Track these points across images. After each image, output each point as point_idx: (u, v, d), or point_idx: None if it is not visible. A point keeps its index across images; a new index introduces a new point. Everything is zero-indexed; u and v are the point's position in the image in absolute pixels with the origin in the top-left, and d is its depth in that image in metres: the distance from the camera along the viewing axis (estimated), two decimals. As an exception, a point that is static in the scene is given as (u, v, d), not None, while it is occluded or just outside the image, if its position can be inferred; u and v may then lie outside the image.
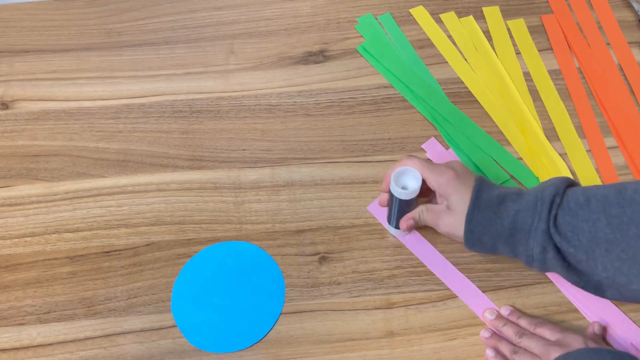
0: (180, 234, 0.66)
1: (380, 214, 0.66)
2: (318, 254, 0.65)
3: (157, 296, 0.63)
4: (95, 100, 0.76)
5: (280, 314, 0.61)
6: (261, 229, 0.66)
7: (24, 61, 0.79)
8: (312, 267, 0.64)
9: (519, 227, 0.55)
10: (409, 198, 0.60)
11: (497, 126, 0.72)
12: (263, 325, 0.61)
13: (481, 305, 0.61)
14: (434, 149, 0.71)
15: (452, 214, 0.59)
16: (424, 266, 0.63)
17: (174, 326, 0.61)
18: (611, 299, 0.55)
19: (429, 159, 0.61)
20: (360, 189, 0.68)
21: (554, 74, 0.76)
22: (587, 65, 0.77)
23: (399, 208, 0.61)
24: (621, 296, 0.53)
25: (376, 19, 0.81)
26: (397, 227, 0.63)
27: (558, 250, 0.53)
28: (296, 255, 0.65)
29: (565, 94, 0.75)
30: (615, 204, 0.51)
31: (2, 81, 0.78)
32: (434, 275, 0.63)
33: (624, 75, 0.76)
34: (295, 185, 0.69)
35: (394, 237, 0.65)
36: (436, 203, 0.61)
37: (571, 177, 0.66)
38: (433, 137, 0.72)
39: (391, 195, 0.61)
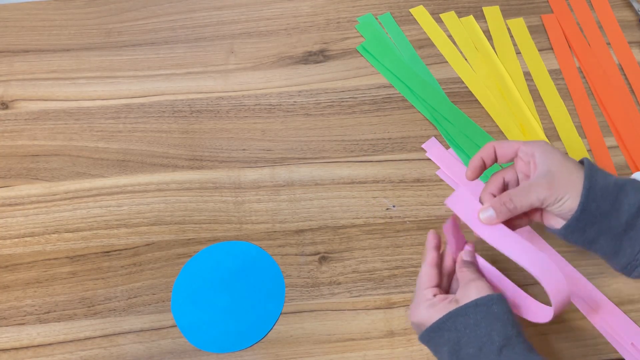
0: (180, 234, 0.66)
1: (461, 207, 0.54)
2: (318, 253, 0.65)
3: (157, 296, 0.63)
4: (95, 100, 0.76)
5: (280, 314, 0.61)
6: (261, 229, 0.66)
7: (24, 61, 0.79)
8: (312, 267, 0.64)
9: (638, 225, 0.47)
10: None
11: (497, 126, 0.72)
12: (263, 325, 0.61)
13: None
14: (434, 149, 0.71)
15: (555, 183, 0.48)
16: (424, 266, 0.63)
17: (174, 326, 0.61)
18: None
19: None
20: (360, 189, 0.68)
21: (554, 74, 0.76)
22: (587, 65, 0.77)
23: None
24: None
25: (376, 18, 0.81)
26: None
27: None
28: (296, 255, 0.65)
29: (565, 94, 0.75)
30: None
31: (2, 81, 0.78)
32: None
33: (624, 75, 0.76)
34: (295, 185, 0.69)
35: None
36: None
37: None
38: (433, 137, 0.72)
39: None
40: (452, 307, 0.48)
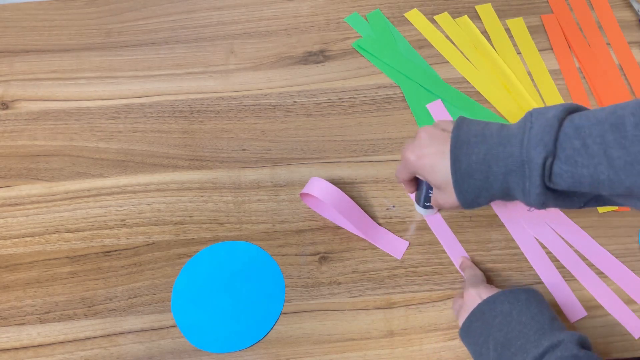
0: (180, 234, 0.66)
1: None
2: (318, 254, 0.65)
3: (157, 296, 0.63)
4: (95, 100, 0.76)
5: (280, 314, 0.61)
6: (261, 229, 0.66)
7: (24, 61, 0.79)
8: (312, 267, 0.64)
9: (512, 187, 0.50)
10: None
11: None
12: (263, 325, 0.61)
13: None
14: (438, 110, 0.72)
15: (441, 191, 0.55)
16: (424, 266, 0.63)
17: (174, 326, 0.61)
18: (622, 206, 0.51)
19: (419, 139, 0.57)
20: (360, 189, 0.68)
21: (554, 74, 0.76)
22: (587, 65, 0.77)
23: (429, 187, 0.61)
24: (633, 205, 0.49)
25: (364, 17, 0.82)
26: (425, 206, 0.64)
27: (558, 194, 0.49)
28: (296, 255, 0.65)
29: (565, 94, 0.75)
30: (615, 145, 0.46)
31: (2, 81, 0.78)
32: (434, 275, 0.63)
33: (624, 75, 0.76)
34: (295, 185, 0.69)
35: (422, 216, 0.67)
36: None
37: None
38: (439, 100, 0.73)
39: (420, 180, 0.61)
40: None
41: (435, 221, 0.66)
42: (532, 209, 0.62)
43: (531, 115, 0.49)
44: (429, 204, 0.63)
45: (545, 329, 0.50)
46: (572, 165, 0.47)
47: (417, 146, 0.55)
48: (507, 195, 0.52)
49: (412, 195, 0.68)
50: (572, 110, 0.49)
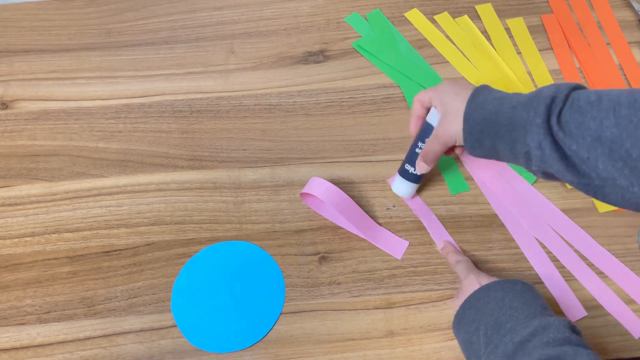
0: (180, 234, 0.66)
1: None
2: (318, 253, 0.65)
3: (157, 296, 0.63)
4: (95, 100, 0.76)
5: (280, 314, 0.61)
6: (261, 229, 0.66)
7: (24, 61, 0.79)
8: (312, 267, 0.64)
9: (516, 123, 0.53)
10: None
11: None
12: (263, 325, 0.61)
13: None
14: None
15: (447, 117, 0.59)
16: (424, 266, 0.63)
17: (174, 326, 0.61)
18: (613, 204, 0.53)
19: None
20: (360, 189, 0.68)
21: (554, 74, 0.76)
22: (587, 65, 0.77)
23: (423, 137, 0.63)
24: (623, 200, 0.52)
25: (364, 17, 0.82)
26: (408, 177, 0.65)
27: (557, 146, 0.52)
28: (296, 255, 0.65)
29: (565, 94, 0.75)
30: (626, 105, 0.49)
31: (2, 81, 0.78)
32: (434, 275, 0.63)
33: (624, 75, 0.76)
34: (295, 185, 0.69)
35: (400, 197, 0.68)
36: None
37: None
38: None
39: (424, 130, 0.63)
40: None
41: (417, 203, 0.67)
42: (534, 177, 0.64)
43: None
44: (409, 167, 0.64)
45: (537, 314, 0.51)
46: (581, 113, 0.50)
47: (439, 85, 0.62)
48: (509, 139, 0.55)
49: (390, 180, 0.68)
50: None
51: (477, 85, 0.60)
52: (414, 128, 0.65)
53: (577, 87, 0.54)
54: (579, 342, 0.47)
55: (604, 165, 0.50)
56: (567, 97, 0.52)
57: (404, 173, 0.65)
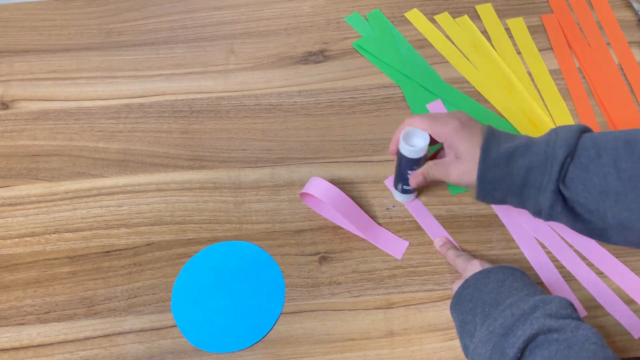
0: (180, 234, 0.66)
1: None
2: (318, 253, 0.65)
3: (157, 296, 0.63)
4: (95, 100, 0.76)
5: (280, 314, 0.61)
6: (261, 229, 0.66)
7: (24, 61, 0.79)
8: (312, 267, 0.64)
9: (530, 184, 0.56)
10: (417, 157, 0.61)
11: (508, 121, 0.72)
12: (263, 325, 0.61)
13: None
14: (438, 110, 0.73)
15: (462, 162, 0.59)
16: (424, 266, 0.63)
17: (174, 326, 0.61)
18: (615, 244, 0.56)
19: (432, 114, 0.63)
20: (360, 189, 0.68)
21: (554, 74, 0.76)
22: (587, 65, 0.77)
23: (408, 167, 0.62)
24: (626, 240, 0.55)
25: (364, 17, 0.82)
26: (403, 191, 0.65)
27: (566, 203, 0.55)
28: (296, 255, 0.65)
29: (565, 94, 0.75)
30: (625, 158, 0.52)
31: (2, 81, 0.78)
32: (434, 275, 0.63)
33: (624, 75, 0.76)
34: (295, 185, 0.69)
35: (400, 202, 0.67)
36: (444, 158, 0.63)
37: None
38: (439, 99, 0.73)
39: (399, 156, 0.62)
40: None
41: (415, 206, 0.67)
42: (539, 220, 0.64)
43: (555, 129, 0.57)
44: (407, 187, 0.64)
45: (537, 293, 0.52)
46: (585, 171, 0.53)
47: (447, 122, 0.61)
48: (520, 196, 0.57)
49: (387, 182, 0.68)
50: (590, 130, 0.57)
51: (483, 125, 0.60)
52: (394, 148, 0.64)
53: (584, 131, 0.56)
54: (580, 320, 0.48)
55: (611, 214, 0.53)
56: (574, 153, 0.54)
57: (399, 190, 0.66)
